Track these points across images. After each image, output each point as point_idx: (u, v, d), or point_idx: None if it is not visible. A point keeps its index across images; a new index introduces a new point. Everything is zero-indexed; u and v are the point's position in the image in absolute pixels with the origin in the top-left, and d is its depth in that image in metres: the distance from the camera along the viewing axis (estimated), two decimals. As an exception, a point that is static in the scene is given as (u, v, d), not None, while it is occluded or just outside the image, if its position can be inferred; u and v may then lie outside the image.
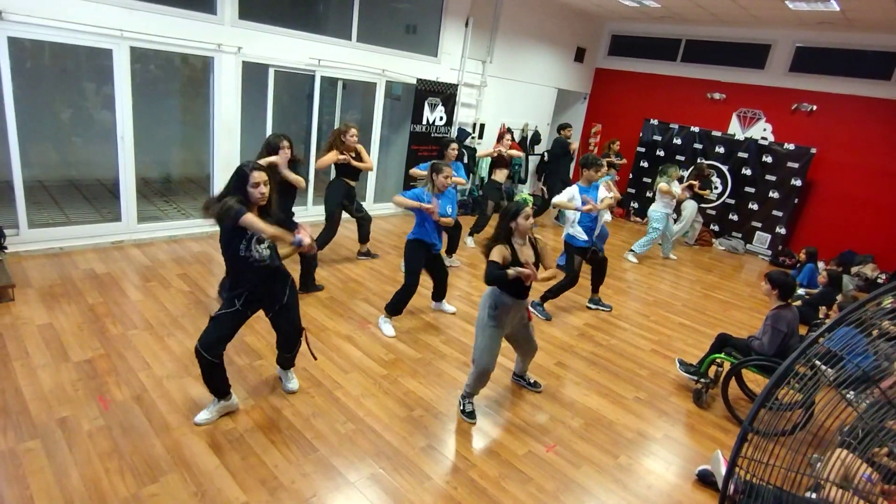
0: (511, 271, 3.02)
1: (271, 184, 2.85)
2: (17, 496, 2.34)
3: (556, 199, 5.07)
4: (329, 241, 5.42)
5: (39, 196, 5.97)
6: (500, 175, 6.81)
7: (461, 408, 3.37)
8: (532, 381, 3.79)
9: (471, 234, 6.81)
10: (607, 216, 5.69)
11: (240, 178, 2.75)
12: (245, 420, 3.03)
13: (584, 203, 4.84)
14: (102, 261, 4.85)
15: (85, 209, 5.88)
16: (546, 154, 9.40)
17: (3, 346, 3.37)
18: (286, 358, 3.31)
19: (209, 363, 2.81)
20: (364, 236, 5.77)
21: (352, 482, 2.70)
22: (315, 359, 3.62)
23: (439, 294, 4.74)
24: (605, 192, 5.28)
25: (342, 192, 5.29)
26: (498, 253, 3.10)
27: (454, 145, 5.52)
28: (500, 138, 6.99)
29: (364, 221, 5.65)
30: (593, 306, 5.45)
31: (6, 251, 4.48)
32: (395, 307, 4.28)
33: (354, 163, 5.18)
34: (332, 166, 5.19)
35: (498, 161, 6.79)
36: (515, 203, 3.22)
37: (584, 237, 4.95)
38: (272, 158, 4.12)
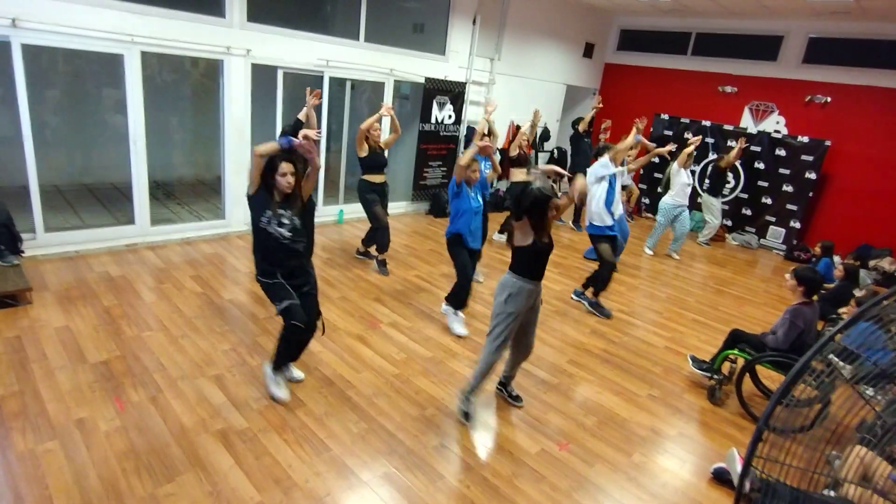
0: None
1: (298, 174, 3.05)
2: (36, 496, 2.37)
3: (588, 181, 4.94)
4: (385, 240, 5.30)
5: (55, 200, 6.05)
6: (518, 175, 6.75)
7: (461, 406, 3.29)
8: (514, 395, 3.57)
9: (501, 231, 7.20)
10: (620, 208, 5.65)
11: (269, 168, 2.96)
12: (258, 420, 3.05)
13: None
14: (117, 263, 4.91)
15: (99, 213, 5.96)
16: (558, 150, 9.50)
17: (21, 349, 3.43)
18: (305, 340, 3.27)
19: (299, 330, 3.06)
20: (369, 239, 5.58)
21: (365, 481, 2.71)
22: (322, 333, 3.61)
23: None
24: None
25: (370, 188, 5.26)
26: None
27: (486, 139, 5.64)
28: (512, 139, 6.96)
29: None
30: (576, 298, 5.33)
31: (23, 255, 4.55)
32: (457, 300, 4.36)
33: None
34: (359, 164, 5.22)
35: (514, 161, 6.73)
36: (542, 191, 3.00)
37: (608, 221, 4.94)
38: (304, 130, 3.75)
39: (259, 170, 2.95)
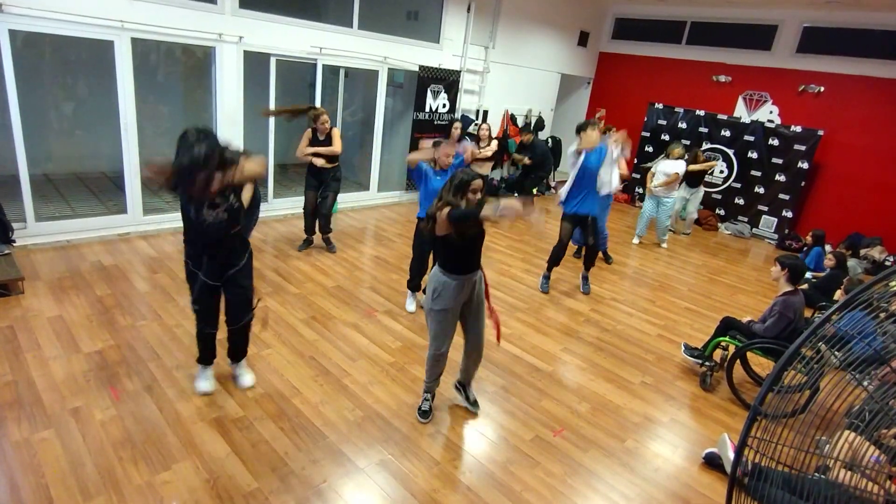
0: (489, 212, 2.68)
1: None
2: (32, 485, 2.38)
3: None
4: (304, 223, 5.48)
5: (45, 189, 5.98)
6: (483, 168, 7.03)
7: (419, 406, 3.18)
8: (472, 400, 3.29)
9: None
10: (615, 184, 5.31)
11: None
12: (254, 408, 3.06)
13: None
14: (109, 253, 4.88)
15: (91, 202, 5.90)
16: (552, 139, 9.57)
17: (14, 339, 3.41)
18: (234, 332, 3.12)
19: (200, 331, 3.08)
20: (321, 227, 5.47)
21: (361, 468, 2.73)
22: (264, 328, 3.79)
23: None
24: (616, 149, 4.93)
25: (309, 173, 5.28)
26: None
27: (457, 124, 5.75)
28: (507, 127, 7.19)
29: (320, 210, 5.34)
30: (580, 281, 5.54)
31: (14, 244, 4.51)
32: (412, 283, 4.54)
33: (318, 153, 5.14)
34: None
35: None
36: (466, 174, 2.85)
37: (562, 199, 5.01)
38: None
39: None
